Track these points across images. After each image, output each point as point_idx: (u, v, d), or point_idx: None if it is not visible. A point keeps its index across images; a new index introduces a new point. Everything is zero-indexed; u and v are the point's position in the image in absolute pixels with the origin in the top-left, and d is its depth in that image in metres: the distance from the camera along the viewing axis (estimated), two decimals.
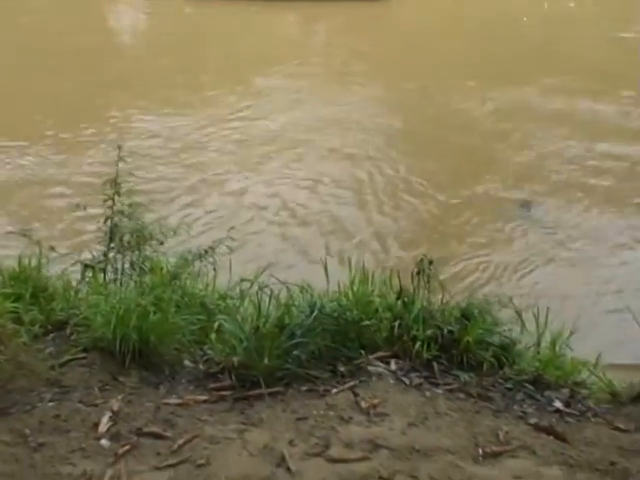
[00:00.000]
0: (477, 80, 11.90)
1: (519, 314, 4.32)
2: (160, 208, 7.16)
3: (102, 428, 3.48)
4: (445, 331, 4.09)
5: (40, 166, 9.40)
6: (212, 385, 3.90)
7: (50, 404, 3.69)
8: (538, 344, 4.21)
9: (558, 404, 3.86)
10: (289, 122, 10.84)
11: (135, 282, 4.66)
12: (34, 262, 4.70)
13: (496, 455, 3.32)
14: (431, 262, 4.38)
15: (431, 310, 4.22)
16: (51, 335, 4.25)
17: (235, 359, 3.92)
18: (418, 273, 4.39)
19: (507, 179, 9.22)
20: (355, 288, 4.35)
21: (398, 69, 12.61)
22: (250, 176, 9.34)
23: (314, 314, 4.04)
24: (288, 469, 3.18)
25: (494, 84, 11.89)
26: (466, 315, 4.17)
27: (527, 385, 3.97)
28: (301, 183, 9.14)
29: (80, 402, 3.71)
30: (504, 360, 4.09)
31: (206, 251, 5.13)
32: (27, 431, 3.44)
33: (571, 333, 4.25)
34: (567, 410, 3.82)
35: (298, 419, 3.56)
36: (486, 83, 11.86)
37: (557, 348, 4.18)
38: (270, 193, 8.85)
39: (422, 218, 8.27)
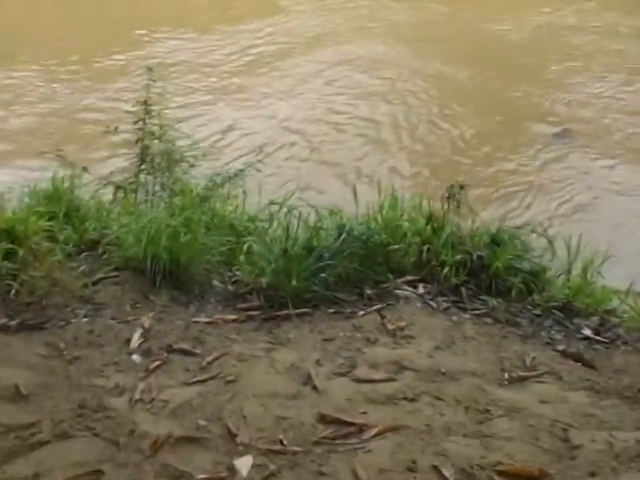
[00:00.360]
0: None
1: (550, 241, 4.29)
2: (191, 131, 7.13)
3: (134, 344, 3.55)
4: (474, 256, 4.08)
5: (71, 91, 9.40)
6: (240, 305, 3.95)
7: (84, 320, 3.77)
8: (569, 271, 4.19)
9: (587, 332, 3.85)
10: (324, 48, 10.69)
11: (165, 203, 4.70)
12: (67, 183, 4.74)
13: (522, 380, 3.34)
14: (462, 187, 4.35)
15: (460, 235, 4.21)
16: (84, 254, 4.31)
17: (263, 280, 3.96)
18: (448, 198, 4.37)
19: (543, 107, 9.03)
20: (384, 212, 4.35)
21: None
22: (283, 99, 9.26)
23: (342, 237, 4.05)
24: (314, 387, 3.23)
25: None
26: (496, 241, 4.16)
27: (556, 312, 3.96)
28: (335, 107, 9.03)
29: (112, 319, 3.79)
30: (533, 287, 4.08)
31: (236, 174, 5.14)
32: (62, 345, 3.53)
33: (603, 260, 4.21)
34: (596, 338, 3.81)
35: (325, 340, 3.61)
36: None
37: (588, 275, 4.15)
38: (302, 117, 8.77)
39: (455, 144, 8.17)
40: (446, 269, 4.05)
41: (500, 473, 2.70)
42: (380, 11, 11.70)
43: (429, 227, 4.24)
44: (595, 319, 3.98)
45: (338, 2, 12.02)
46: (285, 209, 4.51)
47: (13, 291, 3.89)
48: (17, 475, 2.69)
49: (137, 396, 3.15)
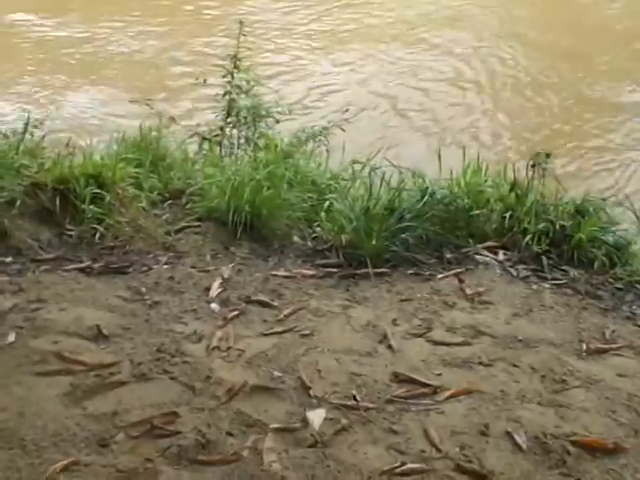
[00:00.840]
0: None
1: (636, 214, 4.16)
2: (278, 86, 7.15)
3: (213, 293, 3.62)
4: (557, 226, 4.00)
5: (160, 42, 9.52)
6: (319, 261, 3.98)
7: (165, 267, 3.85)
8: None
9: None
10: (413, 12, 10.53)
11: (249, 157, 4.74)
12: (155, 132, 4.82)
13: (600, 352, 3.28)
14: (548, 155, 4.27)
15: (544, 204, 4.13)
16: (168, 203, 4.39)
17: (343, 238, 3.97)
18: (533, 166, 4.28)
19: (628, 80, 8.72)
20: (468, 177, 4.29)
21: None
22: (373, 59, 9.17)
23: (424, 199, 4.03)
24: (390, 347, 3.24)
25: None
26: (580, 211, 4.06)
27: (638, 287, 3.86)
28: (421, 72, 8.92)
29: (193, 267, 3.86)
30: (616, 260, 3.98)
31: (320, 131, 5.14)
32: (143, 289, 3.62)
33: None
34: None
35: (402, 300, 3.60)
36: None
37: None
38: (392, 78, 8.68)
39: (541, 113, 7.98)
40: (528, 237, 3.99)
41: (574, 443, 2.67)
42: None
43: (513, 194, 4.17)
44: None
45: None
46: (368, 168, 4.49)
47: (98, 235, 4.01)
48: (96, 412, 2.78)
49: (214, 344, 3.22)
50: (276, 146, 4.74)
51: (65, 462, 2.45)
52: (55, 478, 2.37)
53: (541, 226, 4.01)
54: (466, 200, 4.11)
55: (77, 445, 2.57)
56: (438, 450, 2.64)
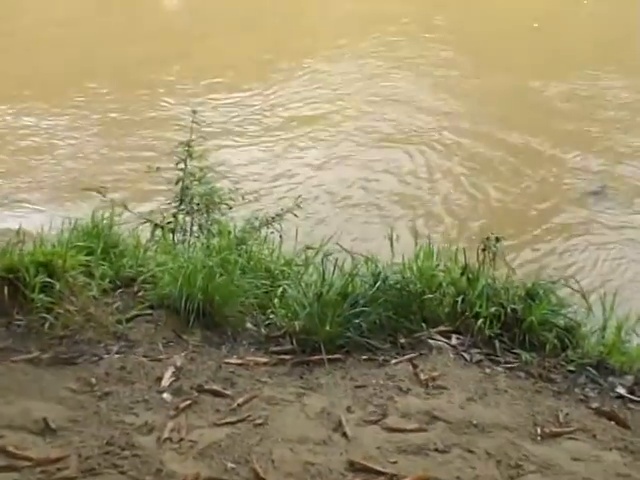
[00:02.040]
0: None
1: (585, 297, 4.24)
2: (231, 174, 7.21)
3: (165, 382, 3.56)
4: (509, 309, 4.05)
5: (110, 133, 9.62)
6: (273, 348, 3.95)
7: (116, 356, 3.79)
8: (604, 328, 4.13)
9: (621, 390, 3.78)
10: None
11: (202, 244, 4.74)
12: (106, 219, 4.81)
13: (555, 436, 3.29)
14: (498, 239, 4.34)
15: (495, 287, 4.18)
16: (119, 291, 4.35)
17: (297, 324, 3.96)
18: (484, 250, 4.36)
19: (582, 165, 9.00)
20: (420, 262, 4.34)
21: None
22: (321, 150, 9.35)
23: (377, 284, 4.05)
24: (344, 434, 3.20)
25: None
26: (531, 294, 4.12)
27: (590, 369, 3.90)
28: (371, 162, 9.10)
29: (144, 356, 3.80)
30: (567, 342, 4.02)
31: (273, 218, 5.19)
32: (93, 380, 3.55)
33: (638, 319, 4.16)
34: (630, 397, 3.74)
35: (357, 387, 3.58)
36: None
37: (623, 333, 4.09)
38: (339, 170, 8.83)
39: (491, 197, 8.15)
40: (480, 321, 4.02)
41: None
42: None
43: (464, 278, 4.22)
44: (629, 378, 3.91)
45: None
46: (321, 254, 4.52)
47: (47, 324, 3.93)
48: None
49: (166, 435, 3.15)
50: (229, 232, 4.76)
51: None
52: None
53: (493, 310, 4.05)
54: (418, 284, 4.15)
55: None
56: None
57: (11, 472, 2.85)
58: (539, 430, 3.30)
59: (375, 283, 4.06)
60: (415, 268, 4.28)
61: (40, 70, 10.92)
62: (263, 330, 4.12)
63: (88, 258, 4.26)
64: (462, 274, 4.24)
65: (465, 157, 9.03)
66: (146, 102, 10.05)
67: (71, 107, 10.04)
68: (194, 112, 5.23)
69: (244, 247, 4.62)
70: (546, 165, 8.81)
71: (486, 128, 9.64)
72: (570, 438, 3.29)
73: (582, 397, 3.69)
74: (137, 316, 4.13)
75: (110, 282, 4.32)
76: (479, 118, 9.91)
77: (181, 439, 3.13)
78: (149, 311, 4.16)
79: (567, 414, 3.47)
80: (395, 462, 3.02)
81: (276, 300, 4.19)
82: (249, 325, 4.18)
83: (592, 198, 8.21)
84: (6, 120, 9.77)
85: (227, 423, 3.27)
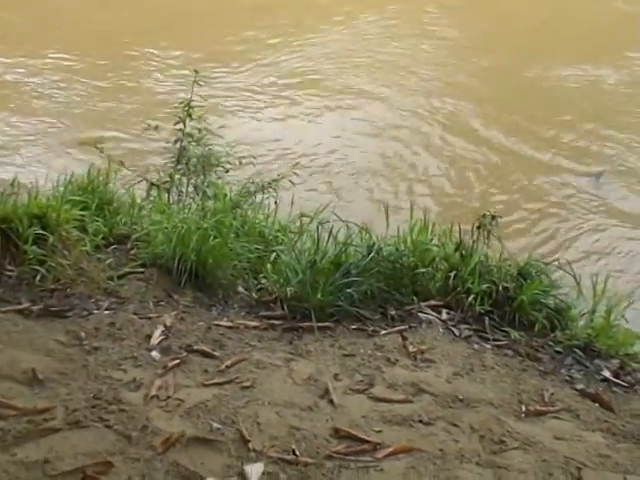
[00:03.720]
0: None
1: (577, 279, 4.25)
2: (230, 136, 7.15)
3: (154, 340, 3.56)
4: (500, 287, 4.06)
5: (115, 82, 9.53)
6: (263, 313, 3.96)
7: (106, 312, 3.79)
8: (593, 311, 4.15)
9: (607, 373, 3.81)
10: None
11: (197, 206, 4.72)
12: (102, 175, 4.79)
13: (539, 414, 3.31)
14: (494, 218, 4.34)
15: (488, 265, 4.19)
16: (112, 247, 4.34)
17: (288, 290, 3.96)
18: (479, 227, 4.36)
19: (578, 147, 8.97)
20: (414, 235, 4.34)
21: None
22: (320, 107, 9.28)
23: (371, 255, 4.06)
24: (331, 401, 3.21)
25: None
26: (523, 274, 4.13)
27: (577, 351, 3.92)
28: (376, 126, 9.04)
29: (135, 314, 3.80)
30: (556, 323, 4.05)
31: (269, 184, 5.17)
32: (82, 334, 3.55)
33: (629, 304, 4.18)
34: (615, 380, 3.76)
35: (345, 355, 3.60)
36: None
37: (612, 317, 4.10)
38: (340, 128, 8.76)
39: (489, 171, 8.12)
40: (471, 297, 4.04)
41: None
42: None
43: (458, 254, 4.22)
44: (615, 362, 3.94)
45: None
46: (316, 222, 4.51)
47: (39, 277, 3.93)
48: (26, 459, 2.69)
49: (153, 392, 3.15)
50: (225, 195, 4.74)
51: None
52: None
53: (484, 287, 4.06)
54: (412, 258, 4.16)
55: None
56: None
57: None
58: (524, 408, 3.32)
59: (369, 254, 4.06)
60: (409, 241, 4.29)
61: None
62: (254, 294, 4.12)
63: (82, 213, 4.25)
64: (456, 250, 4.25)
65: (462, 132, 9.00)
66: (142, 69, 9.93)
67: (67, 66, 9.93)
68: (196, 72, 5.19)
69: (239, 211, 4.62)
70: (544, 146, 8.79)
71: (484, 105, 9.60)
72: (554, 417, 3.31)
73: (568, 378, 3.71)
74: (129, 274, 4.13)
75: (103, 238, 4.31)
76: (480, 95, 9.86)
77: (168, 397, 3.14)
78: (141, 269, 4.16)
79: (552, 394, 3.49)
80: (380, 431, 3.04)
81: (269, 265, 4.19)
82: (241, 289, 4.18)
83: (591, 181, 8.21)
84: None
85: (214, 384, 3.27)
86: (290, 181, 5.35)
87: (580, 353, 3.92)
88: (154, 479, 2.61)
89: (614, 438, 3.23)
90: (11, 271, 3.97)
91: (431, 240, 4.36)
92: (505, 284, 4.07)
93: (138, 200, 4.83)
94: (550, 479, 2.86)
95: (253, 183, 5.11)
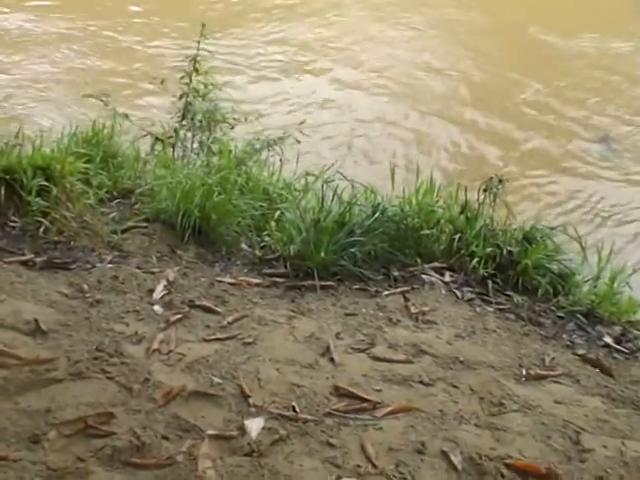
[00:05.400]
0: None
1: (582, 245, 4.24)
2: (236, 93, 7.10)
3: (156, 295, 3.57)
4: (504, 251, 4.05)
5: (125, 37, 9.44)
6: (266, 271, 3.96)
7: (109, 266, 3.79)
8: (597, 278, 4.14)
9: (608, 339, 3.81)
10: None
11: (202, 162, 4.70)
12: (107, 129, 4.76)
13: (539, 378, 3.31)
14: (500, 181, 4.32)
15: (493, 229, 4.18)
16: (116, 201, 4.34)
17: (292, 248, 3.96)
18: (485, 190, 4.34)
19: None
20: (420, 197, 4.32)
21: None
22: (330, 63, 9.17)
23: (376, 216, 4.04)
24: (332, 359, 3.22)
25: None
26: (528, 238, 4.12)
27: (579, 317, 3.92)
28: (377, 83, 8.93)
29: (138, 268, 3.80)
30: (560, 289, 4.04)
31: (275, 141, 5.13)
32: (85, 287, 3.55)
33: (634, 271, 4.17)
34: (616, 347, 3.76)
35: (347, 314, 3.60)
36: None
37: (616, 284, 4.10)
38: (348, 86, 8.67)
39: (498, 136, 8.05)
40: (475, 260, 4.03)
41: (508, 466, 2.68)
42: None
43: (463, 216, 4.21)
44: (617, 328, 3.94)
45: None
46: (321, 181, 4.49)
47: (42, 228, 3.93)
48: (29, 407, 2.70)
49: (155, 346, 3.16)
50: (230, 152, 4.72)
51: None
52: None
53: (488, 250, 4.05)
54: (416, 219, 4.14)
55: (7, 440, 2.50)
56: (374, 466, 2.63)
57: (0, 369, 2.87)
58: (524, 371, 3.33)
59: (373, 214, 4.05)
60: (415, 202, 4.27)
61: None
62: (258, 252, 4.12)
63: (87, 166, 4.23)
64: (461, 212, 4.24)
65: (472, 94, 8.91)
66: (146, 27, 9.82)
67: (76, 20, 9.81)
68: (203, 25, 5.12)
69: (244, 168, 4.59)
70: (548, 112, 8.71)
71: (488, 67, 9.49)
72: (554, 381, 3.32)
73: (569, 343, 3.72)
74: (132, 228, 4.13)
75: (107, 192, 4.31)
76: (482, 58, 9.75)
77: (170, 351, 3.15)
78: (144, 224, 4.16)
79: (553, 358, 3.49)
80: (379, 390, 3.05)
81: (273, 223, 4.18)
82: (244, 246, 4.18)
83: (595, 146, 8.14)
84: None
85: (216, 339, 3.28)
86: (296, 139, 5.32)
87: (582, 319, 3.92)
88: (154, 431, 2.63)
89: (613, 403, 3.24)
90: (15, 222, 3.97)
91: (436, 202, 4.34)
92: (509, 248, 4.06)
93: (143, 155, 4.81)
94: (548, 442, 2.86)
95: (258, 140, 5.07)
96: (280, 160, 5.01)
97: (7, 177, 3.99)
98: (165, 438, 2.62)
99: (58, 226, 3.93)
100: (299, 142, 5.29)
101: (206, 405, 2.85)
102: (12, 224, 3.97)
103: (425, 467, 2.65)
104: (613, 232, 6.07)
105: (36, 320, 3.19)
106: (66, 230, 3.93)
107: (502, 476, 2.64)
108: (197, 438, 2.65)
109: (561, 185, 7.21)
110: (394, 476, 2.57)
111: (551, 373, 3.36)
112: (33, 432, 2.55)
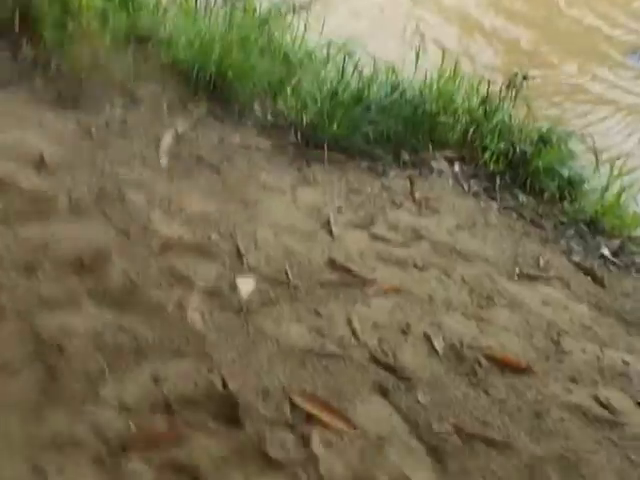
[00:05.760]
0: None
1: (596, 154, 4.17)
2: None
3: (164, 145, 3.54)
4: (518, 149, 4.00)
5: None
6: (276, 136, 3.91)
7: (119, 109, 3.74)
8: (606, 189, 4.09)
9: (605, 251, 3.80)
10: None
11: (225, 15, 4.54)
12: None
13: (531, 278, 3.33)
14: (525, 77, 4.21)
15: (510, 125, 4.10)
16: (132, 46, 4.21)
17: (305, 117, 3.90)
18: (508, 86, 4.24)
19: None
20: (441, 83, 4.22)
21: None
22: None
23: (394, 96, 3.97)
24: (330, 232, 3.23)
25: None
26: (544, 140, 4.05)
27: (581, 225, 3.90)
28: None
29: (147, 116, 3.75)
30: (566, 195, 4.00)
31: (301, 6, 4.98)
32: (93, 128, 3.52)
33: None
34: (612, 259, 3.77)
35: (351, 190, 3.58)
36: None
37: (623, 198, 4.06)
38: None
39: (534, 32, 7.78)
40: (487, 154, 3.98)
41: (488, 357, 2.73)
42: None
43: (482, 109, 4.12)
44: (617, 241, 3.92)
45: None
46: (343, 53, 4.37)
47: (55, 63, 3.85)
48: (27, 238, 2.73)
49: (156, 196, 3.17)
50: (254, 10, 4.56)
51: None
52: None
53: (502, 146, 4.00)
54: (434, 105, 4.06)
55: (3, 266, 2.53)
56: (357, 339, 2.68)
57: (1, 198, 2.87)
58: (518, 270, 3.35)
59: (392, 93, 3.97)
60: (435, 88, 4.17)
61: None
62: (270, 116, 4.06)
63: (105, 3, 4.10)
64: (481, 105, 4.15)
65: None
66: None
67: None
68: None
69: (266, 28, 4.46)
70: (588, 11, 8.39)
71: None
72: (545, 284, 3.34)
73: (566, 249, 3.71)
74: (146, 74, 4.04)
75: (124, 36, 4.18)
76: None
77: (170, 202, 3.15)
78: (159, 72, 4.07)
79: (548, 261, 3.50)
80: (373, 268, 3.07)
81: (289, 89, 4.09)
82: (257, 108, 4.10)
83: (629, 58, 7.89)
84: None
85: (218, 197, 3.28)
86: (322, 7, 5.15)
87: (584, 227, 3.90)
88: (148, 276, 2.66)
89: (599, 312, 3.27)
90: (27, 54, 3.89)
91: (457, 90, 4.24)
92: (523, 147, 4.00)
93: (164, 1, 4.65)
94: (530, 340, 2.91)
95: (285, 2, 4.91)
96: (304, 26, 4.85)
97: (22, 7, 3.88)
98: (157, 285, 2.66)
99: (71, 63, 3.85)
100: (326, 10, 5.12)
101: (201, 259, 2.88)
102: (24, 55, 3.89)
103: (407, 347, 2.70)
104: (633, 149, 5.95)
105: (41, 154, 3.18)
106: (79, 68, 3.84)
107: (480, 365, 2.69)
108: (188, 289, 2.69)
109: (591, 92, 7.02)
110: (376, 351, 2.62)
111: (544, 275, 3.38)
112: (29, 262, 2.58)
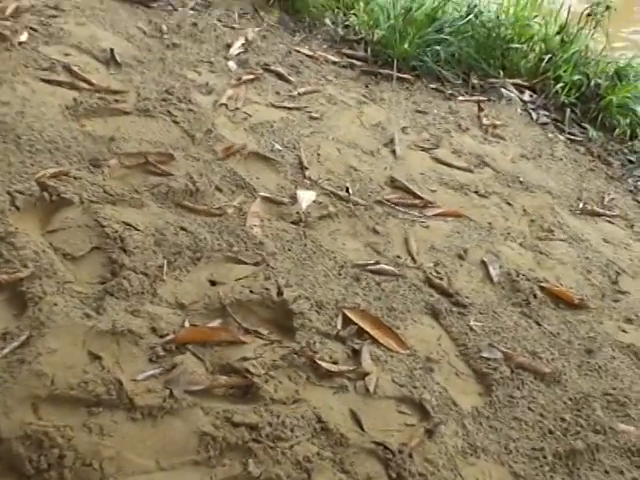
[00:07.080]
0: None
1: None
2: None
3: (233, 51, 3.52)
4: (592, 82, 3.89)
5: None
6: (346, 51, 3.86)
7: (191, 12, 3.72)
8: None
9: None
10: None
11: None
12: None
13: (594, 215, 3.28)
14: (608, 8, 4.05)
15: (587, 57, 3.98)
16: None
17: (376, 34, 3.83)
18: (589, 15, 4.09)
19: None
20: (519, 8, 4.10)
21: None
22: None
23: (469, 18, 3.87)
24: (393, 152, 3.20)
25: None
26: (620, 74, 3.94)
27: None
28: None
29: (219, 20, 3.74)
30: (638, 133, 3.91)
31: None
32: (164, 28, 3.51)
33: None
34: None
35: (417, 111, 3.54)
36: None
37: None
38: None
39: None
40: (559, 85, 3.88)
41: (543, 289, 2.70)
42: None
43: (558, 38, 4.00)
44: None
45: None
46: None
47: None
48: (94, 132, 2.75)
49: (223, 100, 3.16)
50: None
51: (56, 170, 2.45)
52: (44, 182, 2.37)
53: (575, 78, 3.90)
54: (510, 31, 3.96)
55: (70, 158, 2.56)
56: (413, 260, 2.67)
57: (71, 90, 2.90)
58: (581, 205, 3.30)
59: (467, 15, 3.88)
60: (512, 13, 4.06)
61: None
62: (341, 30, 4.00)
63: None
64: (558, 33, 4.03)
65: None
66: None
67: None
68: None
69: None
70: None
71: None
72: (608, 221, 3.29)
73: (632, 188, 3.65)
74: None
75: None
76: None
77: (237, 109, 3.15)
78: None
79: (612, 199, 3.44)
80: (434, 191, 3.05)
81: (362, 4, 4.02)
82: (328, 21, 4.05)
83: None
84: None
85: (284, 107, 3.26)
86: None
87: None
88: (210, 180, 2.67)
89: None
90: None
91: (535, 17, 4.12)
92: (598, 80, 3.89)
93: None
94: (587, 276, 2.88)
95: None
96: None
97: None
98: (219, 189, 2.67)
99: None
100: None
101: (263, 168, 2.88)
102: None
103: (462, 272, 2.68)
104: None
105: (112, 50, 3.18)
106: None
107: (534, 297, 2.67)
108: (249, 196, 2.70)
109: None
110: (431, 274, 2.61)
111: (607, 212, 3.33)
112: (95, 156, 2.60)
